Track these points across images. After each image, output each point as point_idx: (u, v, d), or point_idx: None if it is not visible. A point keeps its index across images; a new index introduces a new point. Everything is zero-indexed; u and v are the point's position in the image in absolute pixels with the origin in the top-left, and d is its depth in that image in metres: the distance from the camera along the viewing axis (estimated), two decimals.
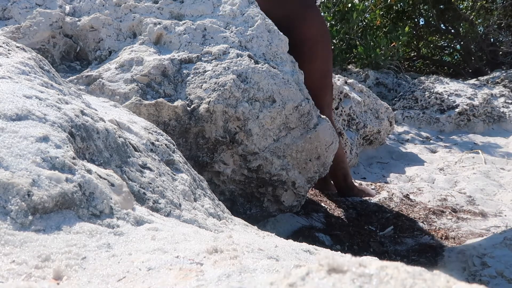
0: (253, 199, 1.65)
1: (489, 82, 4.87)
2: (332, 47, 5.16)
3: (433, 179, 2.79)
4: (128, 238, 0.63)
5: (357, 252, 1.71)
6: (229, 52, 1.59)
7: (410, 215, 2.09)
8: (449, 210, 2.18)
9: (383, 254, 1.72)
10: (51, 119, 0.74)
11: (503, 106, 4.31)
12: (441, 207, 2.24)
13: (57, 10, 1.68)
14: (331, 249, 1.19)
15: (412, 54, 7.38)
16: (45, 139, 0.68)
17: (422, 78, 4.83)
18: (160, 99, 1.44)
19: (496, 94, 4.44)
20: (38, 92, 0.81)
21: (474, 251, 1.54)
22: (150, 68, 1.51)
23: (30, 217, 0.57)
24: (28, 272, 0.50)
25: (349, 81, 3.37)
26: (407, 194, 2.41)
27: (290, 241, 0.90)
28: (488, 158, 3.19)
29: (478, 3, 6.17)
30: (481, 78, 5.14)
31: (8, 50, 0.96)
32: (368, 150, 3.33)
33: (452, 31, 6.75)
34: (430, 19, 6.61)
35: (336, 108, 3.02)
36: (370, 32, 5.42)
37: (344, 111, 3.05)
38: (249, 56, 1.59)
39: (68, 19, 1.69)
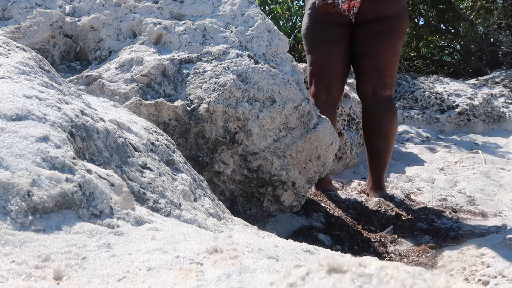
0: (253, 199, 1.65)
1: (489, 82, 4.87)
2: None
3: (433, 179, 2.79)
4: (128, 238, 0.63)
5: (357, 252, 1.70)
6: (229, 52, 1.59)
7: (410, 215, 2.09)
8: (449, 210, 2.18)
9: (383, 254, 1.72)
10: (51, 119, 0.74)
11: (503, 106, 4.31)
12: (441, 207, 2.24)
13: (57, 10, 1.68)
14: (331, 249, 1.19)
15: (412, 54, 7.38)
16: (45, 139, 0.68)
17: (422, 78, 4.83)
18: (160, 99, 1.44)
19: (496, 94, 4.44)
20: (38, 92, 0.81)
21: (474, 251, 1.54)
22: (150, 68, 1.51)
23: (30, 217, 0.57)
24: (28, 272, 0.50)
25: (349, 81, 3.37)
26: (407, 194, 2.41)
27: (290, 241, 0.90)
28: (488, 158, 3.19)
29: (478, 3, 6.17)
30: (481, 78, 5.14)
31: (8, 50, 0.96)
32: None
33: (452, 31, 6.74)
34: (430, 19, 6.61)
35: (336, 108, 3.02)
36: None
37: (344, 111, 3.05)
38: (249, 56, 1.59)
39: (68, 19, 1.69)
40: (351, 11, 2.14)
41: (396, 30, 2.17)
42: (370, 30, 2.16)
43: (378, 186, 2.33)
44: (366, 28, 2.17)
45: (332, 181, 2.53)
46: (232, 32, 1.66)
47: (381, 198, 2.27)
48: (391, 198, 2.29)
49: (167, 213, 0.83)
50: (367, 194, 2.38)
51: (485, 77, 5.15)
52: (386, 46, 2.17)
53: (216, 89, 1.48)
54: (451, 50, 7.61)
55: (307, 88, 2.77)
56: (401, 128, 4.13)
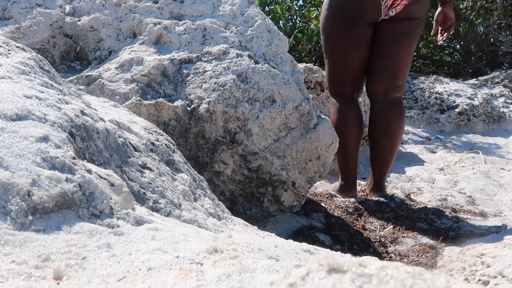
0: (253, 199, 1.65)
1: (489, 82, 4.87)
2: None
3: (433, 179, 2.79)
4: (128, 238, 0.63)
5: (357, 252, 1.70)
6: (229, 52, 1.59)
7: (410, 215, 2.09)
8: (449, 210, 2.18)
9: (383, 254, 1.72)
10: (51, 119, 0.74)
11: (503, 106, 4.31)
12: (441, 207, 2.24)
13: (57, 10, 1.68)
14: (331, 249, 1.19)
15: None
16: (45, 139, 0.68)
17: (422, 78, 4.83)
18: (160, 99, 1.44)
19: (496, 94, 4.44)
20: (38, 92, 0.81)
21: (474, 251, 1.54)
22: (150, 68, 1.51)
23: (30, 217, 0.57)
24: (28, 272, 0.50)
25: None
26: (408, 194, 2.41)
27: (290, 241, 0.90)
28: (488, 158, 3.19)
29: (478, 3, 6.17)
30: (481, 78, 5.13)
31: (8, 50, 0.96)
32: (368, 150, 3.33)
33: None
34: (430, 19, 6.61)
35: None
36: None
37: None
38: (249, 56, 1.59)
39: (68, 19, 1.69)
40: (391, 10, 2.09)
41: (417, 32, 2.16)
42: (394, 30, 2.13)
43: (378, 187, 2.32)
44: (390, 27, 2.13)
45: (332, 181, 2.53)
46: (232, 32, 1.66)
47: (381, 198, 2.27)
48: (391, 198, 2.29)
49: (167, 213, 0.83)
50: (367, 195, 2.38)
51: (485, 77, 5.15)
52: (405, 47, 2.15)
53: (216, 89, 1.48)
54: (451, 50, 7.60)
55: (307, 88, 2.77)
56: None
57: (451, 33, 2.26)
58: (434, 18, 2.29)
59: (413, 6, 2.08)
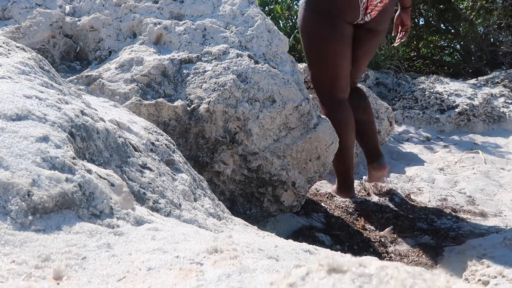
0: (253, 199, 1.65)
1: (489, 82, 4.87)
2: None
3: (433, 179, 2.79)
4: (128, 238, 0.63)
5: (357, 252, 1.70)
6: (229, 52, 1.59)
7: (410, 215, 2.09)
8: (449, 210, 2.18)
9: (383, 254, 1.72)
10: (51, 119, 0.74)
11: (503, 106, 4.31)
12: (441, 207, 2.24)
13: (57, 10, 1.68)
14: (331, 249, 1.19)
15: (412, 54, 7.37)
16: (45, 139, 0.68)
17: (422, 78, 4.83)
18: (160, 99, 1.44)
19: (496, 94, 4.44)
20: (38, 92, 0.81)
21: (474, 251, 1.54)
22: (150, 68, 1.51)
23: (30, 217, 0.57)
24: (28, 272, 0.50)
25: None
26: (408, 194, 2.41)
27: (290, 241, 0.90)
28: (488, 158, 3.19)
29: (478, 3, 6.17)
30: (481, 78, 5.13)
31: (8, 50, 0.96)
32: None
33: (452, 31, 6.74)
34: (430, 19, 6.61)
35: None
36: None
37: None
38: (249, 56, 1.59)
39: (68, 19, 1.69)
40: (366, 16, 2.10)
41: (380, 42, 2.33)
42: (367, 43, 2.23)
43: (377, 154, 2.36)
44: (365, 38, 2.21)
45: (332, 181, 2.53)
46: (232, 32, 1.66)
47: (381, 196, 2.27)
48: (391, 198, 2.29)
49: (167, 213, 0.83)
50: (369, 173, 2.41)
51: (485, 77, 5.14)
52: (370, 57, 2.37)
53: (216, 89, 1.48)
54: (451, 50, 7.60)
55: (307, 88, 2.77)
56: (401, 128, 4.13)
57: (404, 38, 2.43)
58: (394, 20, 2.42)
59: (384, 15, 2.16)
